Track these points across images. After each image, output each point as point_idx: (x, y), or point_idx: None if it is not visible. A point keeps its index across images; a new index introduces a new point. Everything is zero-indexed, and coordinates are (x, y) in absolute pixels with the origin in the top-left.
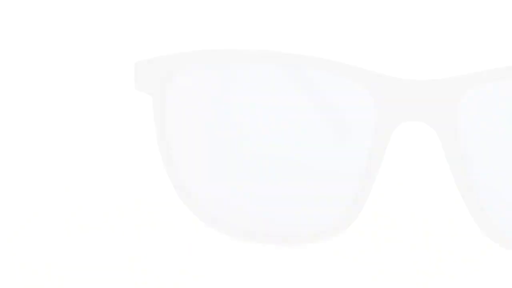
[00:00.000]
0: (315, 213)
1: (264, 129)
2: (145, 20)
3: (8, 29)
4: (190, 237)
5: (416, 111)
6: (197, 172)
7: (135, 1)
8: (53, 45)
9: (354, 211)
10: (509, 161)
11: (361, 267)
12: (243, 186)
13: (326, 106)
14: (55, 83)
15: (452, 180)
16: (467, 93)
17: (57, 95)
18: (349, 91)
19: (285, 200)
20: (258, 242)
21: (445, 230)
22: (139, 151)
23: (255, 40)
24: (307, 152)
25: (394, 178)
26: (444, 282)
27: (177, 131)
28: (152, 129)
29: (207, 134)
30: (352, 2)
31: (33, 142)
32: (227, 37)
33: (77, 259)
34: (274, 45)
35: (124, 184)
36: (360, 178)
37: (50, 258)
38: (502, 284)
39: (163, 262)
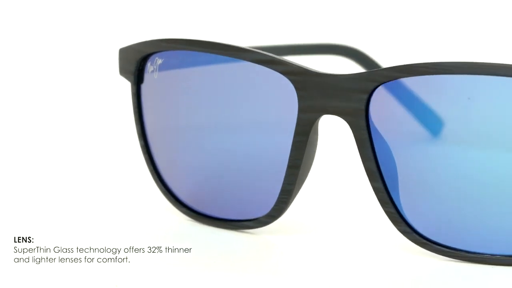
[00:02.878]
0: (252, 202)
1: (207, 121)
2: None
3: None
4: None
5: (332, 105)
6: (164, 156)
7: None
8: (57, 44)
9: (284, 201)
10: (419, 154)
11: (293, 254)
12: (196, 172)
13: (253, 101)
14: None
15: (364, 173)
16: (378, 88)
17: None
18: (274, 83)
19: (226, 189)
20: (206, 223)
21: (360, 221)
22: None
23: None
24: (240, 144)
25: (320, 170)
26: (359, 271)
27: (149, 115)
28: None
29: (170, 123)
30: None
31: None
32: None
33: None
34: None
35: (103, 164)
36: (287, 170)
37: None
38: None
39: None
